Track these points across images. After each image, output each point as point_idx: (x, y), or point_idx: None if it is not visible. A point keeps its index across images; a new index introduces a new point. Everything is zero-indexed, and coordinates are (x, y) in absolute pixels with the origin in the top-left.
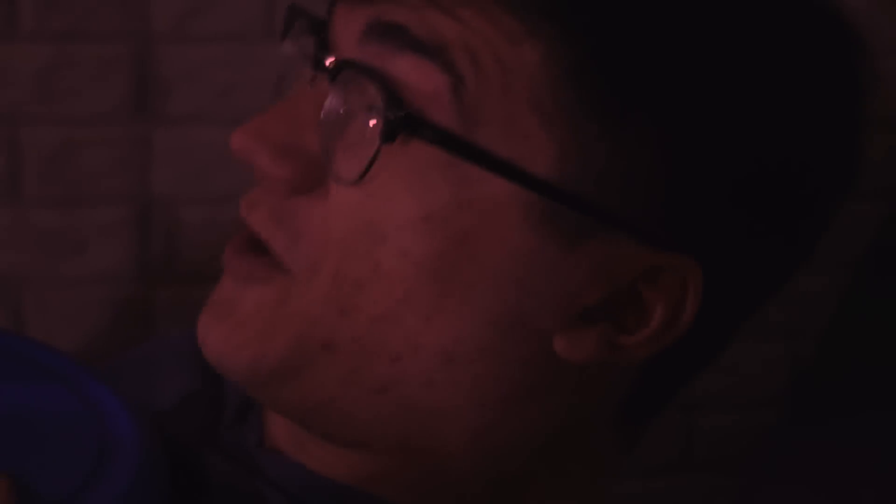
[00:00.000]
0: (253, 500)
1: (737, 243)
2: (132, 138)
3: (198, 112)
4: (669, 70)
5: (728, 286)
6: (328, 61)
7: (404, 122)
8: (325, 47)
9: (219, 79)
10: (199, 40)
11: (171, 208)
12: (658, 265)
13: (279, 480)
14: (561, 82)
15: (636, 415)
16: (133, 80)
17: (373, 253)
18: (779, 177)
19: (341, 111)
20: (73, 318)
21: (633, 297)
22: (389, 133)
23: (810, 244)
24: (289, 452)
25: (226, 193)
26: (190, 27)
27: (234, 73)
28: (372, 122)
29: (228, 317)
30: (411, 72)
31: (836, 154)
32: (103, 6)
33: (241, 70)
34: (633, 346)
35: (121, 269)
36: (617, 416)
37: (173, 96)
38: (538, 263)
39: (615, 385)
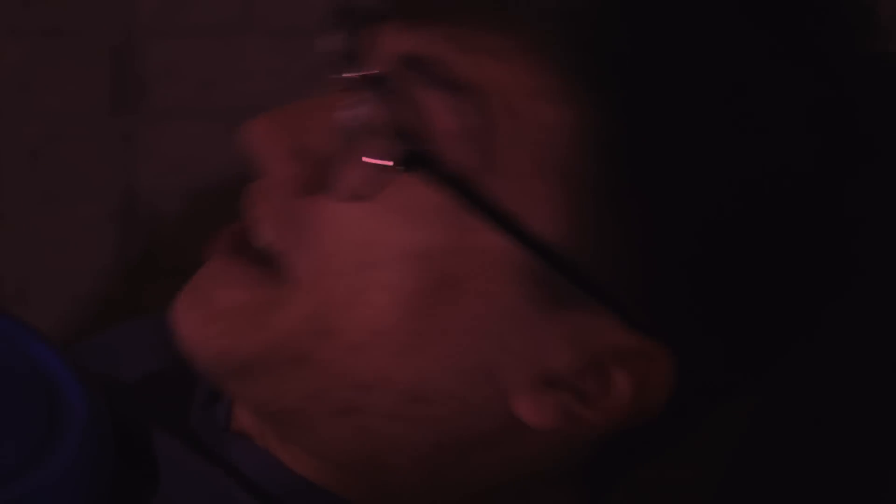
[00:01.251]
0: (195, 479)
1: (718, 345)
2: (114, 133)
3: (179, 106)
4: (679, 158)
5: (701, 382)
6: (363, 71)
7: (419, 155)
8: (363, 56)
9: (199, 73)
10: (179, 34)
11: (154, 203)
12: (633, 348)
13: (240, 464)
14: (586, 149)
15: (595, 478)
16: (113, 75)
17: (360, 276)
18: (779, 287)
19: (362, 123)
20: (57, 314)
21: (600, 372)
22: (401, 161)
23: (789, 349)
24: (255, 438)
25: (208, 187)
26: (171, 21)
27: (215, 67)
28: (388, 145)
29: (204, 306)
30: (440, 106)
31: (832, 263)
32: (84, 1)
33: (222, 64)
34: (592, 421)
35: (104, 264)
36: (575, 476)
37: (154, 91)
38: (517, 321)
39: (574, 450)
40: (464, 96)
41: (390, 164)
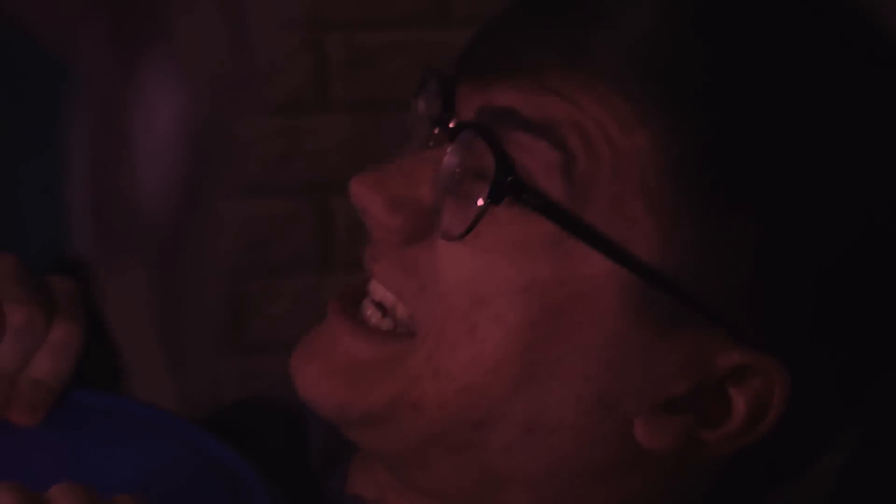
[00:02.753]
0: None
1: (829, 355)
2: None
3: (255, 183)
4: (777, 169)
5: (816, 395)
6: (450, 122)
7: (513, 186)
8: (448, 109)
9: (273, 150)
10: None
11: (234, 280)
12: (747, 364)
13: None
14: (669, 170)
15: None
16: None
17: (471, 314)
18: (884, 291)
19: (457, 170)
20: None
21: (718, 392)
22: (498, 194)
23: None
24: (371, 501)
25: (287, 263)
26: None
27: (290, 143)
28: (483, 183)
29: (325, 360)
30: (523, 148)
31: None
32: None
33: (297, 141)
34: (713, 442)
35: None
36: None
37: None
38: (629, 347)
39: (693, 479)
40: (541, 135)
41: (486, 199)
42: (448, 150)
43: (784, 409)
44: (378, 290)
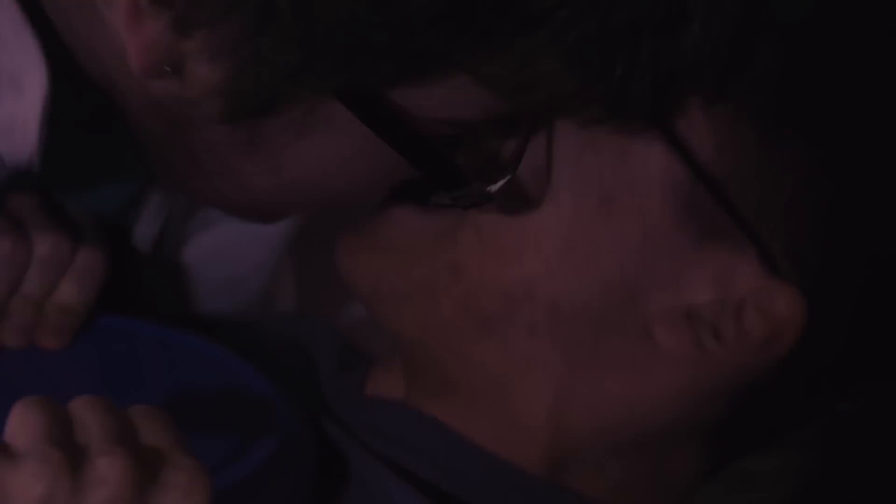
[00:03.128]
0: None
1: (846, 296)
2: None
3: None
4: (838, 112)
5: (825, 334)
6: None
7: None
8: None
9: None
10: None
11: None
12: (770, 289)
13: (383, 424)
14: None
15: (722, 440)
16: None
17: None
18: None
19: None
20: None
21: (738, 310)
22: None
23: None
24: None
25: None
26: None
27: None
28: None
29: (369, 235)
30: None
31: None
32: None
33: None
34: (722, 357)
35: None
36: (703, 435)
37: None
38: (666, 246)
39: (704, 401)
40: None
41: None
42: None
43: (797, 339)
44: None
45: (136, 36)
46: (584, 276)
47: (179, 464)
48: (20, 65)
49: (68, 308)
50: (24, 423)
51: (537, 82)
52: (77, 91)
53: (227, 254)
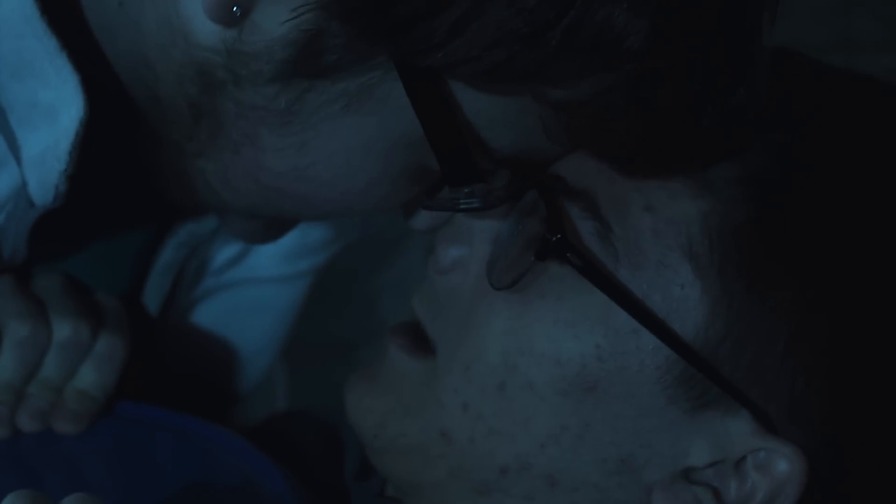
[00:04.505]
0: None
1: (844, 449)
2: None
3: None
4: (828, 255)
5: (827, 487)
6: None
7: (558, 245)
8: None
9: None
10: None
11: None
12: (770, 449)
13: None
14: (723, 236)
15: None
16: None
17: (500, 372)
18: None
19: (516, 229)
20: None
21: (738, 470)
22: (543, 251)
23: None
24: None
25: None
26: None
27: None
28: (534, 240)
29: (372, 379)
30: (567, 212)
31: None
32: None
33: None
34: None
35: None
36: None
37: None
38: (659, 421)
39: None
40: (573, 201)
41: (533, 257)
42: (510, 211)
43: (799, 496)
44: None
45: None
46: (578, 454)
47: None
48: (59, 97)
49: (87, 394)
50: None
51: (595, 118)
52: (104, 123)
53: (236, 324)
